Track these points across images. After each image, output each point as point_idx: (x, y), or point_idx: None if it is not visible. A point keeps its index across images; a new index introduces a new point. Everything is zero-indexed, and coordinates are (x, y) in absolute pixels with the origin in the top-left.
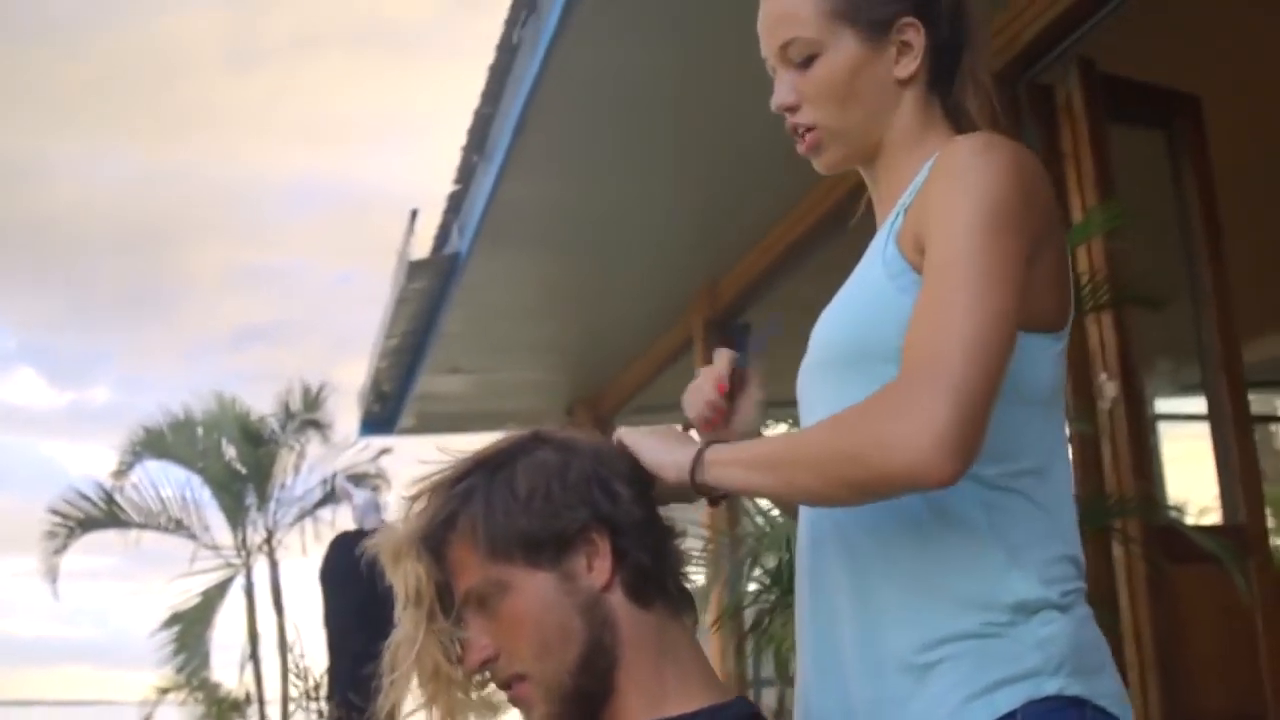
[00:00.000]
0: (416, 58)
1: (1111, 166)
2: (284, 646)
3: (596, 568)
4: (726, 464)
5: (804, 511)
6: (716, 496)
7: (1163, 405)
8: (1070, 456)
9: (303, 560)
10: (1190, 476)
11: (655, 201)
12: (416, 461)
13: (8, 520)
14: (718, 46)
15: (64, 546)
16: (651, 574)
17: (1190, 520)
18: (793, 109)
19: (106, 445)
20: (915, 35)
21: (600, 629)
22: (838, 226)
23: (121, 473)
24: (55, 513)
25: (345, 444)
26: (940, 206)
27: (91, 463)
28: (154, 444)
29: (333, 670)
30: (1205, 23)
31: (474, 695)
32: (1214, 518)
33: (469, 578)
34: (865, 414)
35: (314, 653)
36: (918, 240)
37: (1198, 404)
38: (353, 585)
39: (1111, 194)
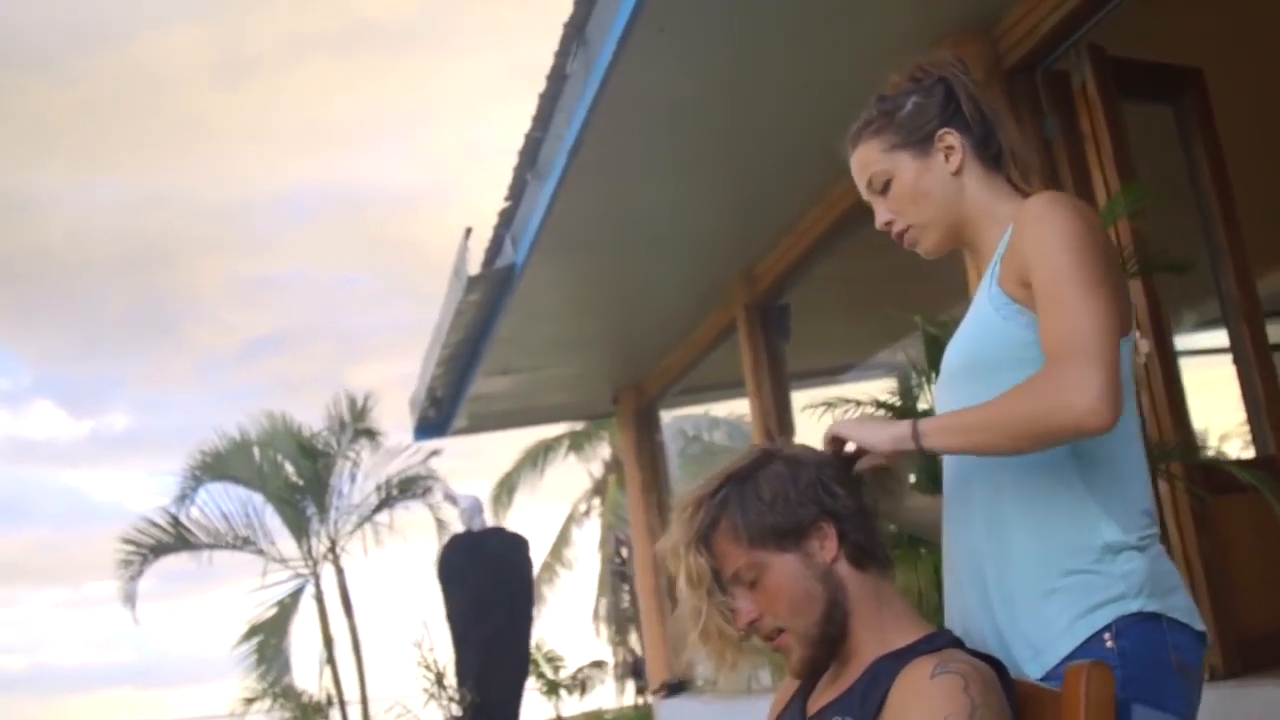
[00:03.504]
0: (402, 56)
1: (1128, 145)
2: (357, 648)
3: (826, 547)
4: (936, 431)
5: (952, 488)
6: (929, 456)
7: (1181, 342)
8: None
9: (365, 562)
10: (1214, 404)
11: (696, 200)
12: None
13: (39, 553)
14: (753, 63)
15: (139, 573)
16: (865, 547)
17: (1221, 449)
18: (889, 224)
19: (130, 470)
20: (954, 139)
21: (835, 590)
22: (863, 214)
23: (184, 497)
24: (128, 541)
25: (397, 449)
26: (1035, 249)
27: (115, 489)
28: (213, 467)
29: (460, 659)
30: None
31: (743, 647)
32: (1237, 442)
33: (734, 562)
34: (1038, 387)
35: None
36: (1019, 278)
37: (1218, 337)
38: (471, 581)
39: (1131, 172)
